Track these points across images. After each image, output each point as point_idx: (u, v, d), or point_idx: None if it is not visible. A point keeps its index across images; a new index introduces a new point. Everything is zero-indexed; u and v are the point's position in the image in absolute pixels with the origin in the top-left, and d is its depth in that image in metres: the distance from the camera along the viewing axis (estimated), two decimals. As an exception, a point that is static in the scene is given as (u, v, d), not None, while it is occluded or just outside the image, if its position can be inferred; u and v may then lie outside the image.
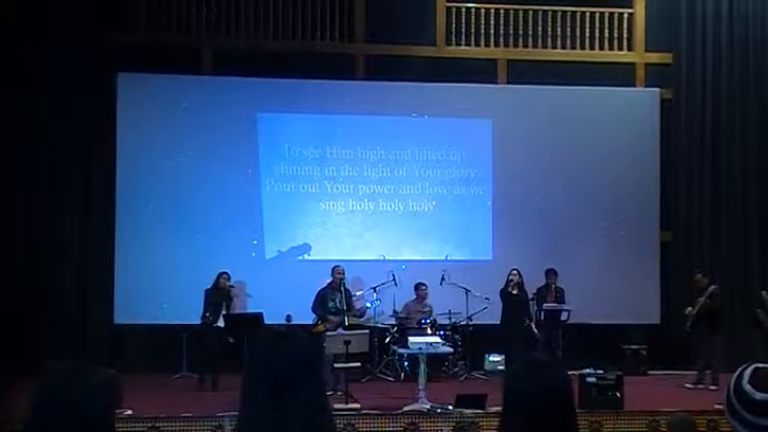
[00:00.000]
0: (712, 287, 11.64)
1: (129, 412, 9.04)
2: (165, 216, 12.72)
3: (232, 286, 11.66)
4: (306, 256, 13.08)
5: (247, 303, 12.46)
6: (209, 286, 11.55)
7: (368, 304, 12.28)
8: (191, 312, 11.51)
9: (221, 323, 11.36)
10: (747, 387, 2.49)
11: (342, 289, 11.55)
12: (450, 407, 9.32)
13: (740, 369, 2.57)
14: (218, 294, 11.47)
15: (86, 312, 12.48)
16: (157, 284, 12.47)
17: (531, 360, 2.41)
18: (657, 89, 13.83)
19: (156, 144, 12.82)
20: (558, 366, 2.40)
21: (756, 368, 2.54)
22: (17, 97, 12.34)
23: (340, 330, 10.83)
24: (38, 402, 2.13)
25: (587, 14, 13.84)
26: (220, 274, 11.57)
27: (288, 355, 2.12)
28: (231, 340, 11.04)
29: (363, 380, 11.54)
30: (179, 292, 11.98)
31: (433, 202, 13.36)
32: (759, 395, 2.48)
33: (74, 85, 12.35)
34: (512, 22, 13.71)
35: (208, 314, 11.36)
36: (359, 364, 10.68)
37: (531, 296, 12.25)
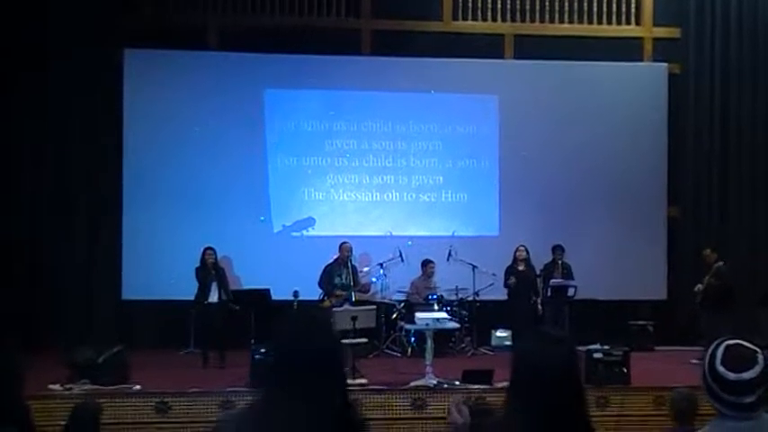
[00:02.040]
0: (717, 264, 11.61)
1: (138, 387, 9.11)
2: (172, 192, 12.73)
3: (215, 262, 11.55)
4: (310, 230, 13.08)
5: (242, 281, 12.45)
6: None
7: (373, 279, 12.29)
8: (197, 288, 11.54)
9: (214, 299, 11.35)
10: (721, 369, 2.48)
11: (349, 265, 11.56)
12: (457, 382, 9.34)
13: (712, 348, 2.55)
14: (206, 270, 11.47)
15: (94, 288, 12.54)
16: (165, 260, 12.48)
17: (540, 334, 2.40)
18: (665, 64, 13.74)
19: (163, 120, 12.80)
20: (567, 341, 2.39)
21: (728, 347, 2.52)
22: (23, 73, 12.31)
23: (347, 306, 10.84)
24: None
25: (595, -11, 13.74)
26: (205, 250, 11.52)
27: (321, 341, 2.13)
28: (236, 308, 11.15)
29: (370, 356, 11.57)
30: (186, 268, 11.95)
31: (440, 178, 13.35)
32: (733, 375, 2.47)
33: (80, 62, 12.34)
34: (519, -3, 13.62)
35: (199, 292, 11.38)
36: (366, 339, 10.69)
37: (537, 272, 12.25)
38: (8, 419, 2.31)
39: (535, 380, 2.28)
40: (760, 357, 2.51)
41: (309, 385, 2.07)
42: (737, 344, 2.53)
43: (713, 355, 2.52)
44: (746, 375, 2.47)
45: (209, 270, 11.42)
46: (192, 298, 11.50)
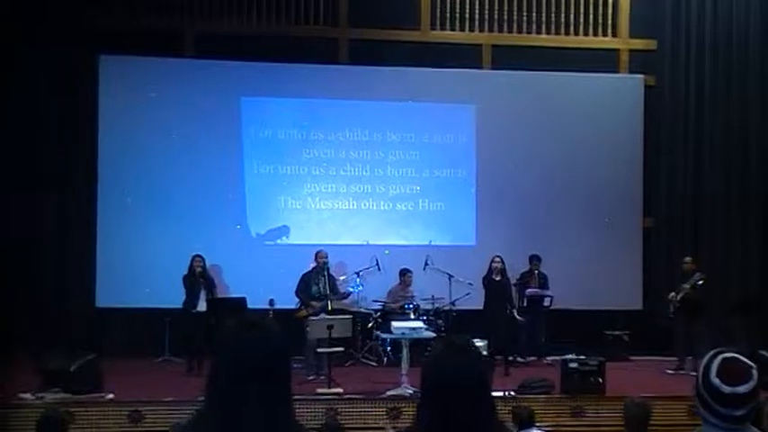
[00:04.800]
0: (697, 275, 11.66)
1: (111, 396, 9.02)
2: (147, 199, 12.65)
3: (203, 270, 11.51)
4: (284, 239, 13.04)
5: (230, 289, 12.39)
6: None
7: (350, 289, 12.26)
8: (173, 296, 11.44)
9: (202, 308, 11.30)
10: (716, 381, 2.51)
11: (325, 273, 11.52)
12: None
13: (707, 359, 2.58)
14: (193, 279, 11.40)
15: (67, 295, 12.40)
16: (139, 268, 12.40)
17: (446, 343, 2.40)
18: (641, 75, 13.84)
19: (139, 127, 12.71)
20: (473, 349, 2.39)
21: (724, 360, 2.55)
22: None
23: (323, 315, 10.81)
24: None
25: (572, 0, 13.81)
26: (193, 258, 11.48)
27: (256, 345, 2.09)
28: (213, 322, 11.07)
29: (346, 364, 11.55)
30: (161, 276, 11.91)
31: (417, 188, 13.34)
32: (727, 389, 2.50)
33: (55, 68, 12.24)
34: (497, 7, 13.67)
35: (186, 300, 11.31)
36: (342, 348, 10.67)
37: (513, 282, 12.25)
38: None
39: (439, 389, 2.28)
40: (754, 373, 2.54)
41: (245, 390, 2.04)
42: (734, 357, 2.55)
43: (708, 367, 2.55)
44: (741, 389, 2.49)
45: (197, 278, 11.35)
46: (169, 306, 11.43)
